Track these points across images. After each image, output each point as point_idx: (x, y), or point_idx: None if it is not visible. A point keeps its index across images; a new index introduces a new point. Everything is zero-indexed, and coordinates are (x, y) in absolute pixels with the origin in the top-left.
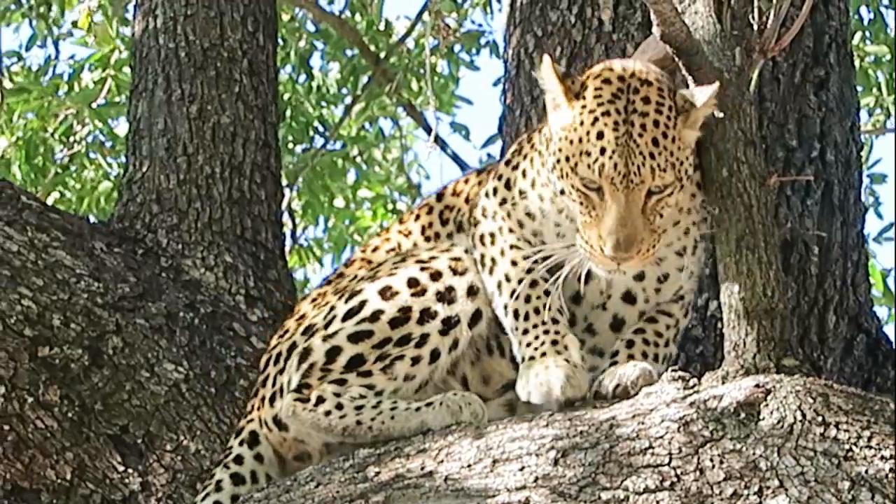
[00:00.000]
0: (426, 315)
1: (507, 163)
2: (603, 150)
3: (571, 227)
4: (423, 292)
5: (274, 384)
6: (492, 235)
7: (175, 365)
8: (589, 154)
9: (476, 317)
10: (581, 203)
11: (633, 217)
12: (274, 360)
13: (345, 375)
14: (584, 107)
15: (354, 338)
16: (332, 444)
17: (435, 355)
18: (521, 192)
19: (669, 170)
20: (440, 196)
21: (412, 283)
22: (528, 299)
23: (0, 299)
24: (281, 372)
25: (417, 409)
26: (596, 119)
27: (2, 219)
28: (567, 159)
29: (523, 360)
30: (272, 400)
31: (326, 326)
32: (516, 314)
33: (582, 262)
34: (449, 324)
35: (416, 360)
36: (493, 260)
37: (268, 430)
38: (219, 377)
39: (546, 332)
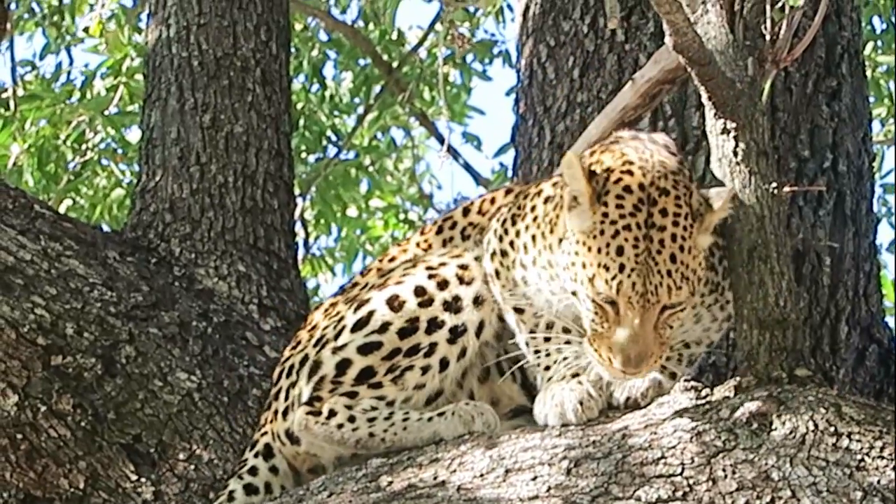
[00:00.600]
0: (433, 324)
1: (514, 216)
2: (622, 268)
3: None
4: (430, 302)
5: (286, 397)
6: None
7: (188, 374)
8: (608, 269)
9: (482, 326)
10: (595, 313)
11: (646, 335)
12: (286, 372)
13: (356, 388)
14: (605, 215)
15: (364, 350)
16: (344, 456)
17: (444, 364)
18: (521, 264)
19: (685, 286)
20: (466, 211)
21: (419, 291)
22: (547, 339)
23: (13, 308)
24: (293, 385)
25: (430, 419)
26: (617, 232)
27: (15, 228)
28: (584, 266)
29: (543, 389)
30: (285, 413)
31: (336, 338)
32: (537, 351)
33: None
34: (456, 332)
35: (425, 370)
36: (502, 297)
37: (281, 444)
38: (232, 386)
39: (567, 366)
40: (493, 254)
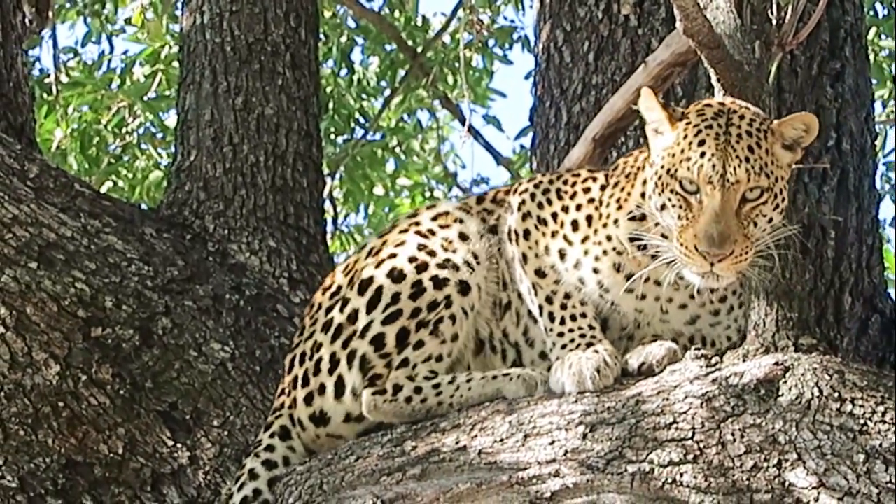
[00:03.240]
0: (438, 283)
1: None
2: (703, 154)
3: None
4: (425, 266)
5: (306, 384)
6: (526, 233)
7: (221, 345)
8: (689, 158)
9: (479, 289)
10: (680, 206)
11: (728, 215)
12: (299, 359)
13: (404, 354)
14: (687, 123)
15: (388, 320)
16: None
17: (465, 313)
18: (566, 239)
19: (763, 175)
20: (480, 200)
21: (413, 260)
22: (563, 306)
23: (55, 282)
24: (316, 373)
25: (494, 377)
26: (699, 131)
27: (56, 205)
28: (668, 171)
29: (557, 358)
30: (308, 400)
31: (352, 321)
32: (552, 317)
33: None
34: (462, 286)
35: (454, 318)
36: (524, 256)
37: (301, 429)
38: (263, 356)
39: (582, 335)
40: (527, 215)
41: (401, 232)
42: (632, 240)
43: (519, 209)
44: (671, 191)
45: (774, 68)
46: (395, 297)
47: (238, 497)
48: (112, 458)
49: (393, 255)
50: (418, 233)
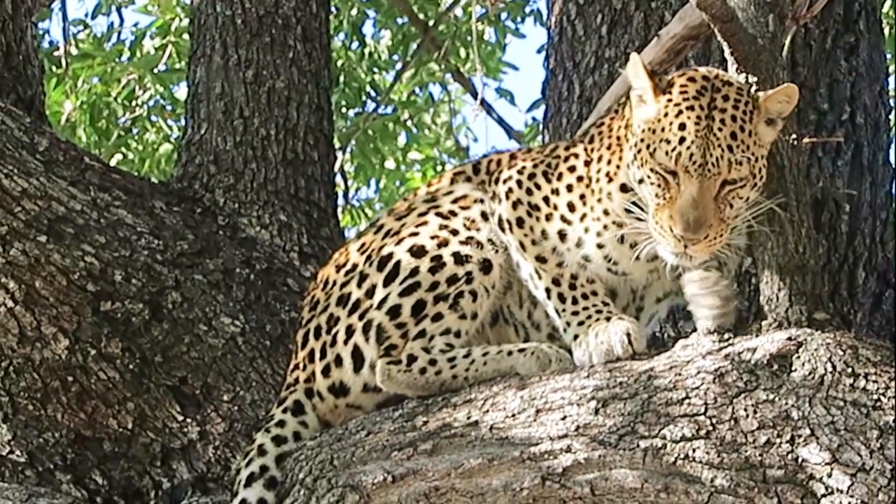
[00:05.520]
0: (460, 259)
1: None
2: (682, 140)
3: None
4: (446, 243)
5: (323, 356)
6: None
7: (232, 319)
8: (669, 142)
9: (500, 269)
10: (658, 185)
11: (705, 201)
12: (314, 333)
13: (421, 325)
14: (669, 100)
15: (405, 292)
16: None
17: (487, 290)
18: (563, 219)
19: (745, 164)
20: (476, 169)
21: (434, 237)
22: (572, 286)
23: (64, 256)
24: (332, 344)
25: (510, 352)
26: (680, 112)
27: (66, 179)
28: (648, 146)
29: (575, 337)
30: (326, 371)
31: (370, 296)
32: (562, 298)
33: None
34: (485, 264)
35: (474, 295)
36: (521, 244)
37: (319, 400)
38: (273, 331)
39: (598, 311)
40: (517, 203)
41: (420, 214)
42: (628, 210)
43: (507, 197)
44: (650, 168)
45: (788, 42)
46: (414, 271)
47: (245, 473)
48: (121, 432)
49: (414, 234)
50: (439, 214)
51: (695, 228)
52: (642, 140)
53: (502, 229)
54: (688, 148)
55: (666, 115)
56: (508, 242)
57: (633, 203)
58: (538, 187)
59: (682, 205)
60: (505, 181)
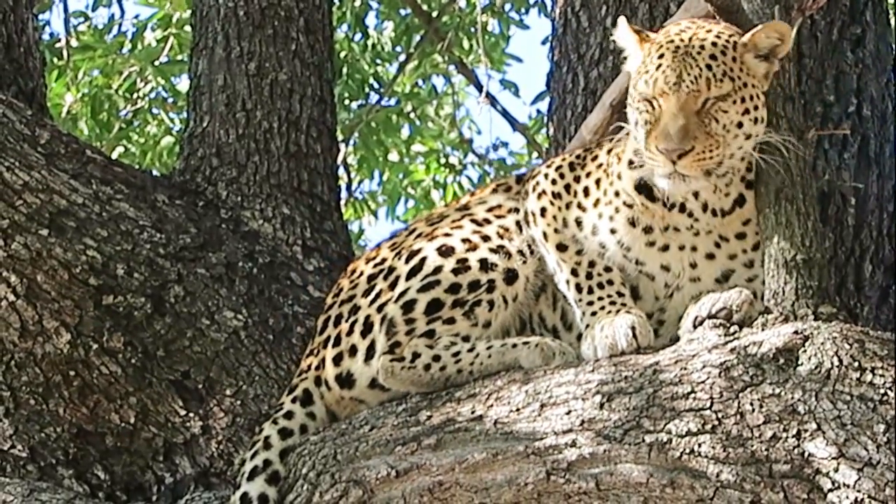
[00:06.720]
0: (485, 265)
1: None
2: (659, 66)
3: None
4: (475, 248)
5: (337, 344)
6: (542, 211)
7: (234, 313)
8: (647, 72)
9: (527, 279)
10: (644, 113)
11: (686, 114)
12: (334, 320)
13: (431, 326)
14: (651, 44)
15: (424, 289)
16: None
17: (506, 301)
18: (580, 206)
19: (727, 80)
20: (520, 179)
21: (465, 241)
22: (589, 275)
23: (66, 250)
24: (349, 333)
25: (514, 345)
26: (661, 47)
27: (67, 172)
28: (634, 86)
29: (586, 327)
30: (337, 360)
31: (393, 288)
32: (579, 287)
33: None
34: (509, 274)
35: (492, 305)
36: (545, 235)
37: (326, 389)
38: (276, 325)
39: (612, 302)
40: (542, 193)
41: (454, 221)
42: (639, 191)
43: (534, 190)
44: (638, 102)
45: (794, 33)
46: (437, 269)
47: (249, 466)
48: (124, 427)
49: (447, 235)
50: (474, 220)
51: (678, 139)
52: (634, 86)
53: (527, 223)
54: (663, 72)
55: (649, 54)
56: (534, 236)
57: (641, 180)
58: (562, 177)
59: (664, 120)
60: (534, 177)
